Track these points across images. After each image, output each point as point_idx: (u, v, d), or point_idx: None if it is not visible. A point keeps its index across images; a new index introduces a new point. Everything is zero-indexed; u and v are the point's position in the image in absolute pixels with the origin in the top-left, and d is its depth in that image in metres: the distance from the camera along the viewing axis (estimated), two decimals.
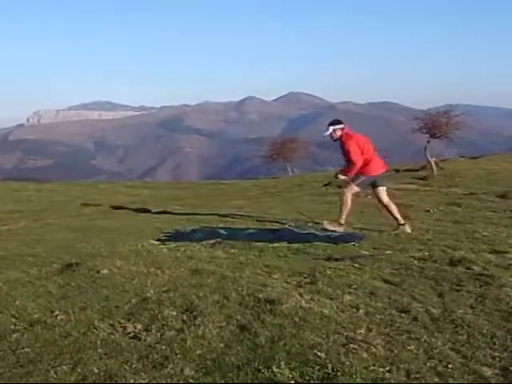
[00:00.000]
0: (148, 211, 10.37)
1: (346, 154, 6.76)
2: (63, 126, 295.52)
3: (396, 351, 2.73)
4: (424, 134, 25.29)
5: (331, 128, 6.86)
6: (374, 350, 2.72)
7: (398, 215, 6.70)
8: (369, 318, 3.23)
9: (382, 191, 6.84)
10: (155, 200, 14.48)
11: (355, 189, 6.82)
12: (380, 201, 6.88)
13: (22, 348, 2.76)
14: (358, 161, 6.63)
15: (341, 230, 6.63)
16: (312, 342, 2.80)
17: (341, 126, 6.89)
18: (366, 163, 6.72)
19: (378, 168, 6.85)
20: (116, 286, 3.89)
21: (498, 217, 8.30)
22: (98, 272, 4.29)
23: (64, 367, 2.53)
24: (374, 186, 6.87)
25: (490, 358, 2.68)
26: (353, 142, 6.76)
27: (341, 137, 6.85)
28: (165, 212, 10.08)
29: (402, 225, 6.63)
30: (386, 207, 6.84)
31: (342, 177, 6.98)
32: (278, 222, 7.72)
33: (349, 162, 6.77)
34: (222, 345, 2.79)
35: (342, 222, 6.76)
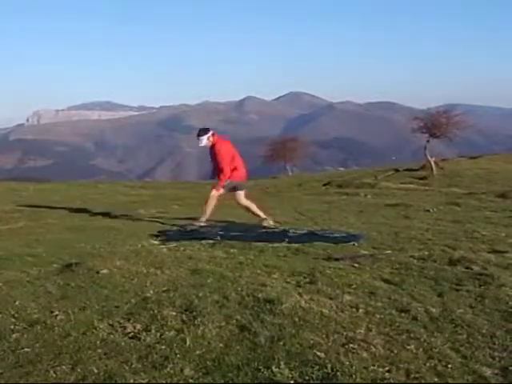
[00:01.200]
0: (148, 211, 10.37)
1: (218, 160, 7.19)
2: (63, 125, 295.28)
3: (396, 351, 2.73)
4: (424, 134, 25.29)
5: (205, 137, 7.19)
6: (374, 349, 2.72)
7: (258, 212, 7.40)
8: (368, 318, 3.23)
9: (241, 195, 7.40)
10: (155, 200, 14.47)
11: (221, 191, 7.30)
12: (240, 203, 7.46)
13: (22, 348, 2.76)
14: (227, 170, 7.16)
15: (201, 224, 7.11)
16: (311, 341, 2.80)
17: (211, 132, 7.26)
18: (235, 169, 7.26)
19: (242, 176, 7.45)
20: (116, 286, 3.89)
21: (497, 216, 8.31)
22: (98, 272, 4.29)
23: (64, 367, 2.53)
24: (234, 189, 7.38)
25: (489, 358, 2.68)
26: (225, 149, 7.24)
27: (214, 144, 7.22)
28: (165, 212, 10.08)
29: (264, 219, 7.32)
30: (247, 208, 7.44)
31: (221, 189, 7.30)
32: (277, 222, 7.73)
33: (218, 168, 7.23)
34: (221, 345, 2.79)
35: (204, 219, 7.23)
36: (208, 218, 7.31)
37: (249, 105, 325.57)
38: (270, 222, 7.28)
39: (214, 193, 7.24)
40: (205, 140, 7.20)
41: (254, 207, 7.43)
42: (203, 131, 7.26)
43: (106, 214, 9.47)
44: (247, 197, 7.53)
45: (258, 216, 7.40)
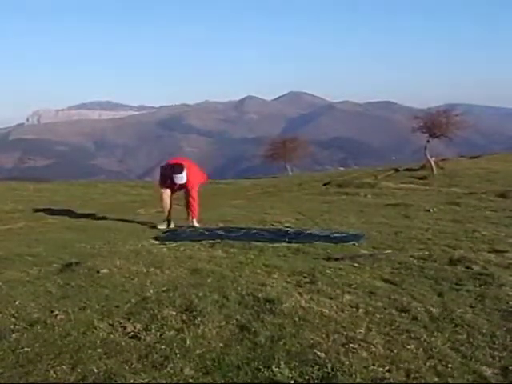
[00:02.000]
0: (148, 211, 10.37)
1: (189, 188, 7.56)
2: (63, 125, 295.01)
3: (396, 351, 2.73)
4: (424, 134, 25.31)
5: (184, 174, 7.41)
6: (374, 349, 2.72)
7: (166, 213, 7.65)
8: (368, 318, 3.23)
9: (168, 193, 7.69)
10: (155, 200, 14.48)
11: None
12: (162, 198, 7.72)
13: (22, 348, 2.76)
14: (197, 200, 7.64)
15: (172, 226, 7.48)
16: (312, 341, 2.80)
17: (185, 167, 7.47)
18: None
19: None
20: (116, 286, 3.89)
21: (497, 216, 8.32)
22: (98, 272, 4.29)
23: (64, 367, 2.53)
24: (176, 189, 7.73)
25: (489, 358, 2.68)
26: (195, 178, 7.65)
27: (188, 175, 7.47)
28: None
29: (166, 220, 7.59)
30: (165, 206, 7.69)
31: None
32: (277, 222, 7.73)
33: (189, 194, 7.58)
34: (221, 344, 2.79)
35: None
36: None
37: (249, 104, 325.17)
38: (162, 227, 7.41)
39: (195, 221, 7.53)
40: (184, 176, 7.41)
41: (166, 209, 7.66)
42: (180, 168, 7.43)
43: (106, 214, 9.48)
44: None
45: (167, 216, 7.63)
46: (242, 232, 6.48)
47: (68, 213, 9.95)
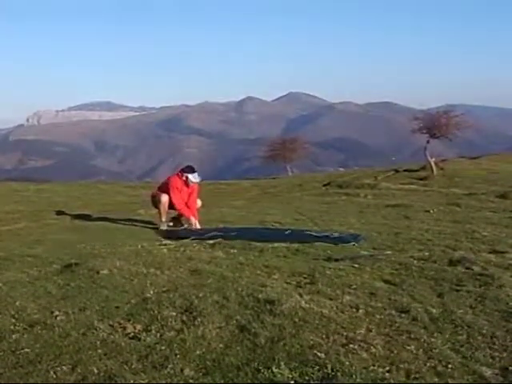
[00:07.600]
0: (148, 211, 10.37)
1: (193, 195, 7.80)
2: (63, 126, 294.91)
3: (396, 351, 2.72)
4: (424, 134, 25.30)
5: (196, 174, 7.69)
6: (374, 350, 2.72)
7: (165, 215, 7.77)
8: (368, 318, 3.23)
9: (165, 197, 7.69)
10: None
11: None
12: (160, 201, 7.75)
13: (22, 348, 2.76)
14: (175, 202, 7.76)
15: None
16: (312, 342, 2.80)
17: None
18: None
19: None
20: (116, 287, 3.89)
21: (497, 217, 8.31)
22: (98, 272, 4.29)
23: (64, 368, 2.53)
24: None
25: (489, 358, 2.68)
26: None
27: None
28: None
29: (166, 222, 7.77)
30: (159, 208, 7.74)
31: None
32: (277, 222, 7.73)
33: (192, 203, 7.77)
34: (221, 345, 2.79)
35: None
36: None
37: (249, 105, 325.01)
38: (163, 228, 7.53)
39: (194, 221, 7.58)
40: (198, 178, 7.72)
41: (163, 210, 7.69)
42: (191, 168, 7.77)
43: (106, 215, 9.47)
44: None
45: (160, 218, 7.72)
46: (241, 233, 6.45)
47: (68, 213, 9.96)
